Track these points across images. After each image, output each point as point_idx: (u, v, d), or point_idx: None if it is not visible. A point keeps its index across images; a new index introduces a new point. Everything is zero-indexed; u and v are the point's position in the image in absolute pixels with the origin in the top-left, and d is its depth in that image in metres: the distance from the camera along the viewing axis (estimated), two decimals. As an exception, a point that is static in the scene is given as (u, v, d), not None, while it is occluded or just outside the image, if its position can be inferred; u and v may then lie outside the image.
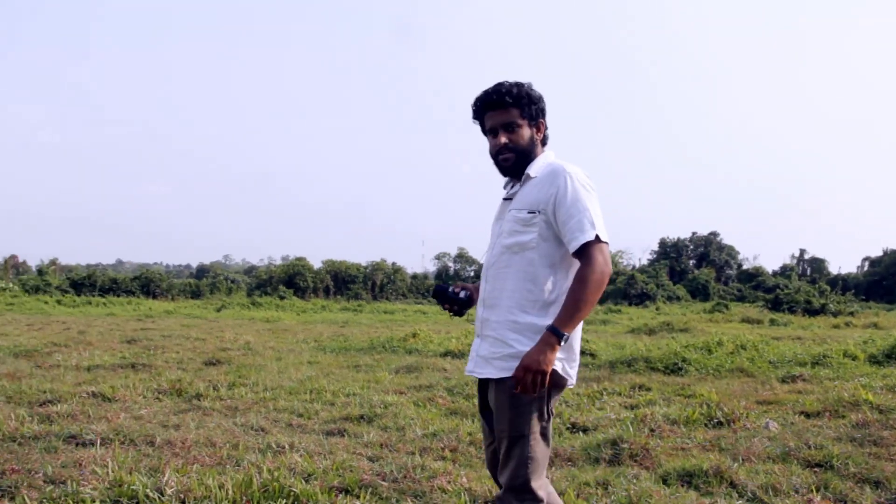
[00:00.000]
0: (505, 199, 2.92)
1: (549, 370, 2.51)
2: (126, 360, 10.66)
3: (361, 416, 6.70)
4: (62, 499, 4.06)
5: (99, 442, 5.43)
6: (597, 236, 2.59)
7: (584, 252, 2.60)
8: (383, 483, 4.52)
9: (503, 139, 2.78)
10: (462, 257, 66.64)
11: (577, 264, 2.68)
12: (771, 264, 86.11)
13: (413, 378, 9.57)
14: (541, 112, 2.84)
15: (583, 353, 12.16)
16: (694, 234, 79.08)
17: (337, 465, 4.85)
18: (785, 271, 68.11)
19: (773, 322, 27.50)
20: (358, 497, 4.28)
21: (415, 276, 64.07)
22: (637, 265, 70.45)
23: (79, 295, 44.08)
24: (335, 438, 5.92)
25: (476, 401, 3.17)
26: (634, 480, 4.66)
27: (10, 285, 45.90)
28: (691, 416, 6.55)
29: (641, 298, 55.39)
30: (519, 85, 2.78)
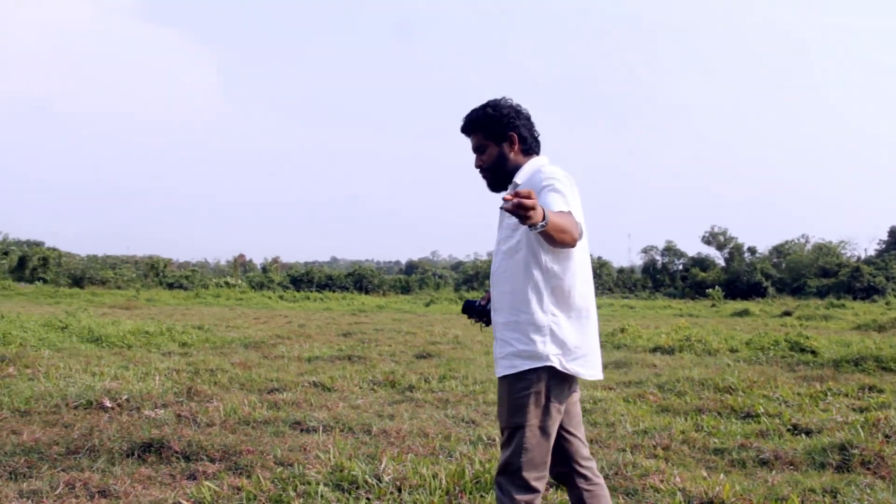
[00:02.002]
0: (501, 208, 2.91)
1: (534, 215, 2.30)
2: (342, 353, 11.22)
3: (569, 411, 6.66)
4: (290, 480, 4.33)
5: (321, 429, 5.76)
6: (570, 213, 2.62)
7: None
8: (594, 479, 4.47)
9: (476, 161, 3.06)
10: (670, 250, 64.45)
11: (561, 257, 2.83)
12: None
13: (622, 374, 9.42)
14: (506, 128, 2.98)
15: (802, 349, 11.49)
16: (930, 221, 72.33)
17: (547, 459, 4.85)
18: None
19: None
20: (568, 492, 4.26)
21: (621, 271, 62.71)
22: (863, 256, 65.36)
23: (298, 291, 46.81)
24: (544, 433, 5.92)
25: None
26: (868, 490, 4.33)
27: (239, 282, 49.62)
28: (932, 422, 5.99)
29: (868, 292, 51.29)
30: (479, 109, 3.01)
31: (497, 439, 5.48)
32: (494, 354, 2.95)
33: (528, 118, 3.06)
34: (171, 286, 47.80)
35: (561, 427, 2.95)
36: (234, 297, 37.61)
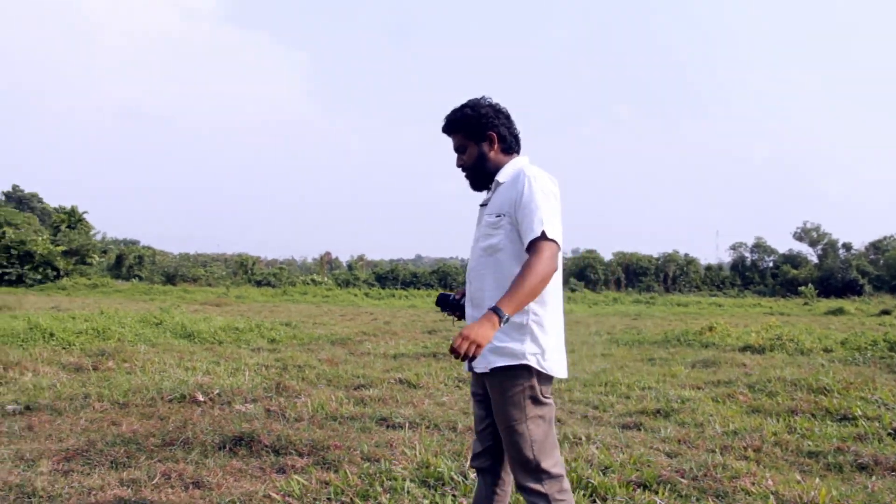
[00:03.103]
0: (481, 205, 3.13)
1: (484, 343, 2.62)
2: (427, 350, 11.28)
3: (658, 411, 6.56)
4: (377, 475, 4.37)
5: (407, 425, 5.79)
6: (543, 233, 2.74)
7: (533, 248, 2.76)
8: (682, 480, 4.39)
9: (458, 161, 3.10)
10: (760, 247, 62.73)
11: None
12: None
13: (710, 373, 9.22)
14: (486, 127, 3.03)
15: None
16: None
17: (634, 459, 4.79)
18: None
19: None
20: (656, 493, 4.19)
21: (709, 268, 61.35)
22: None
23: (383, 288, 47.35)
24: (631, 432, 5.85)
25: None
26: (974, 496, 4.13)
27: (325, 280, 50.44)
28: None
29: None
30: (458, 110, 3.06)
31: (584, 438, 5.44)
32: None
33: (507, 117, 3.10)
34: (259, 284, 48.95)
35: None
36: (320, 295, 38.25)
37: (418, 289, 48.81)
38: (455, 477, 4.26)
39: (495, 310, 2.66)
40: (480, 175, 3.07)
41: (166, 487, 4.23)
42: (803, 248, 62.79)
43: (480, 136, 3.04)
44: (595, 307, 33.70)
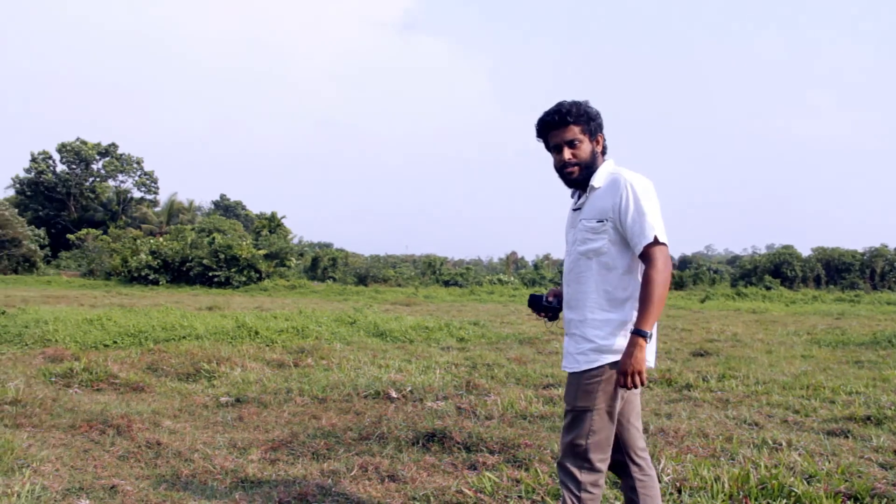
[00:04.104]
0: (574, 209, 3.18)
1: (643, 367, 2.82)
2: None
3: (868, 418, 6.11)
4: (568, 476, 4.35)
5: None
6: (655, 238, 2.86)
7: (646, 254, 2.89)
8: (900, 494, 4.07)
9: (567, 155, 3.05)
10: None
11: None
12: None
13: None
14: (599, 127, 3.10)
15: None
16: None
17: (842, 469, 4.50)
18: None
19: None
20: (868, 506, 3.92)
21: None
22: None
23: (569, 287, 46.92)
24: (838, 439, 5.49)
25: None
26: None
27: (512, 279, 50.73)
28: None
29: None
30: (577, 104, 3.04)
31: (784, 443, 5.17)
32: (568, 350, 3.12)
33: None
34: (447, 283, 49.87)
35: (621, 416, 3.09)
36: (507, 294, 38.45)
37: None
38: (647, 479, 4.17)
39: (637, 332, 2.83)
40: (587, 172, 3.09)
41: (363, 479, 4.41)
42: None
43: (594, 133, 3.10)
44: (792, 306, 31.85)
